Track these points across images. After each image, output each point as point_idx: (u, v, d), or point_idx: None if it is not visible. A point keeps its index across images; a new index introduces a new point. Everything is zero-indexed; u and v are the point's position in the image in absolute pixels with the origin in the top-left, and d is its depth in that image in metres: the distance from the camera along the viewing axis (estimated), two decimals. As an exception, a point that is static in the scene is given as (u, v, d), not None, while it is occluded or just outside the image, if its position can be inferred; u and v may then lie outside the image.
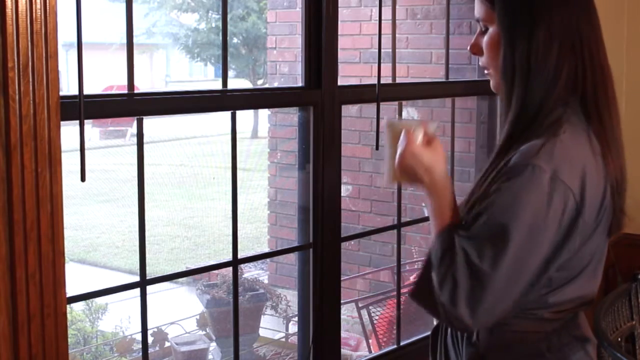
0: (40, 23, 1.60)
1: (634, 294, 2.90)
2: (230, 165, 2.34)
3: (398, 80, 2.91)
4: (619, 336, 2.80)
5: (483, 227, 1.43)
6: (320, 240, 2.55)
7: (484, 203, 1.45)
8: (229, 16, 2.40)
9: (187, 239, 8.91)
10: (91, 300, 5.38)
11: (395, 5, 2.82)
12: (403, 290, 3.26)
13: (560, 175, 1.40)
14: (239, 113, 2.35)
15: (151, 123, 7.49)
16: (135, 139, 2.24)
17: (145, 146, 2.13)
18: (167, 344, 4.86)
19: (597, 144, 1.48)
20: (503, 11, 1.51)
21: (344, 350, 3.98)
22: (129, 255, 8.18)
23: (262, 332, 4.99)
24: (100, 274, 7.81)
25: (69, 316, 3.26)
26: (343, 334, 3.44)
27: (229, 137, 2.32)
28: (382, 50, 2.63)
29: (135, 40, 2.07)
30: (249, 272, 5.95)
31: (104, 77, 9.82)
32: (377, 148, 2.72)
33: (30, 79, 1.59)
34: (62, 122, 1.67)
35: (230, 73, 7.88)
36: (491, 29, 1.54)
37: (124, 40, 2.03)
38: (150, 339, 4.66)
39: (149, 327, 2.21)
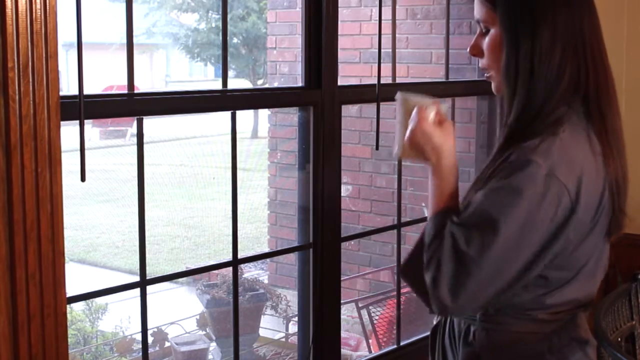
0: (40, 23, 1.60)
1: (634, 294, 2.89)
2: (230, 165, 2.34)
3: (398, 80, 2.91)
4: (619, 336, 2.80)
5: (474, 216, 1.44)
6: (320, 240, 2.55)
7: (478, 193, 1.45)
8: (229, 16, 2.40)
9: (187, 239, 8.91)
10: (91, 300, 5.38)
11: (395, 5, 2.82)
12: (403, 290, 3.26)
13: (556, 172, 1.40)
14: (239, 113, 2.35)
15: (151, 123, 7.49)
16: (135, 139, 2.24)
17: (145, 146, 2.13)
18: (167, 344, 4.86)
19: (597, 143, 1.48)
20: (505, 12, 1.50)
21: (344, 350, 3.98)
22: (129, 255, 8.18)
23: (262, 332, 4.99)
24: (100, 274, 7.81)
25: (69, 316, 3.26)
26: (343, 334, 3.44)
27: (229, 137, 2.32)
28: (382, 50, 2.63)
29: (135, 40, 2.07)
30: (249, 272, 5.95)
31: (104, 77, 9.82)
32: (377, 148, 2.72)
33: (30, 79, 1.59)
34: (62, 122, 1.68)
35: (230, 73, 7.88)
36: (492, 31, 1.54)
37: (124, 40, 2.03)
38: (150, 339, 4.66)
39: (149, 327, 2.21)
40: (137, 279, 2.15)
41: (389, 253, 4.94)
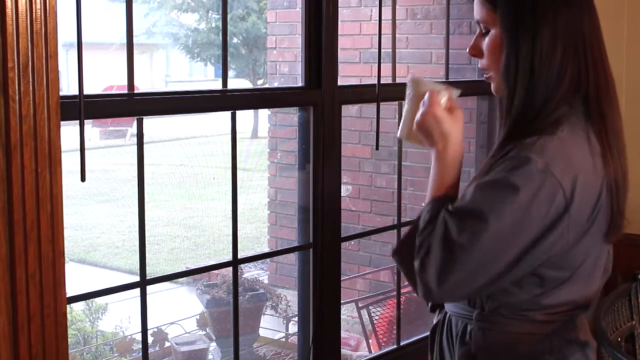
0: (40, 23, 1.60)
1: (634, 294, 2.89)
2: (230, 165, 2.34)
3: (398, 80, 2.91)
4: (619, 336, 2.79)
5: (469, 206, 1.44)
6: (320, 240, 2.55)
7: (475, 184, 1.46)
8: (229, 16, 2.40)
9: (187, 239, 8.92)
10: (91, 300, 5.38)
11: (395, 5, 2.81)
12: (403, 290, 3.26)
13: (551, 169, 1.40)
14: (239, 113, 2.35)
15: (151, 123, 7.49)
16: (135, 139, 2.24)
17: (145, 146, 2.13)
18: (167, 344, 4.87)
19: (596, 143, 1.48)
20: (506, 13, 1.50)
21: (344, 350, 3.98)
22: (129, 255, 8.18)
23: (262, 332, 4.99)
24: (100, 274, 7.81)
25: (69, 316, 3.26)
26: (343, 334, 3.44)
27: (229, 137, 2.32)
28: (382, 50, 2.63)
29: (135, 40, 2.07)
30: (249, 272, 5.95)
31: (104, 77, 9.82)
32: (377, 148, 2.72)
33: (30, 79, 1.59)
34: (62, 122, 1.68)
35: (230, 73, 7.88)
36: (493, 31, 1.53)
37: (124, 40, 2.03)
38: (150, 339, 4.66)
39: (149, 327, 2.21)
40: (137, 279, 2.15)
41: (389, 253, 4.92)
